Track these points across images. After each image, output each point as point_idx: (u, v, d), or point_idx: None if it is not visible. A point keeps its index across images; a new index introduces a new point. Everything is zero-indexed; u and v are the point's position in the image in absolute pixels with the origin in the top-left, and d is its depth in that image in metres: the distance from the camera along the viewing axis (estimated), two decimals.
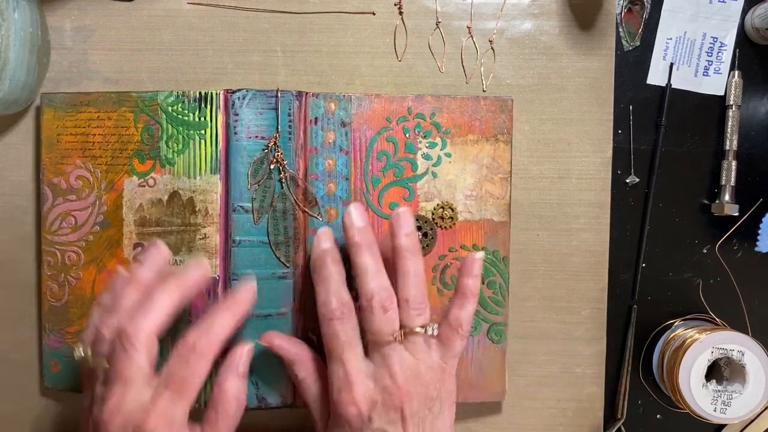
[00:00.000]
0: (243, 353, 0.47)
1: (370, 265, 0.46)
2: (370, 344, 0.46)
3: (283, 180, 0.51)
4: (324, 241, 0.49)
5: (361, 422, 0.44)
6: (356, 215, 0.47)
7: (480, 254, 0.49)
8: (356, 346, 0.46)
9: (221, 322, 0.45)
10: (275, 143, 0.51)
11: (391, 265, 0.47)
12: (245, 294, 0.48)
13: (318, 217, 0.52)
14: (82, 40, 0.55)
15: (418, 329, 0.46)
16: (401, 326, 0.46)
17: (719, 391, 0.54)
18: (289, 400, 0.53)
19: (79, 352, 0.46)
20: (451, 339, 0.47)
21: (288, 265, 0.51)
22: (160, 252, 0.48)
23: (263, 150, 0.51)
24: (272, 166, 0.51)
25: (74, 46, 0.55)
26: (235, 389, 0.46)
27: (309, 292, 0.52)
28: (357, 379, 0.45)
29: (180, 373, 0.43)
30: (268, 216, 0.51)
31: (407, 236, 0.46)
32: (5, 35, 0.48)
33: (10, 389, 0.57)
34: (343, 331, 0.46)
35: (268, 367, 0.52)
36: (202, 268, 0.47)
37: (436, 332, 0.47)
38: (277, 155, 0.51)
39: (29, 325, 0.56)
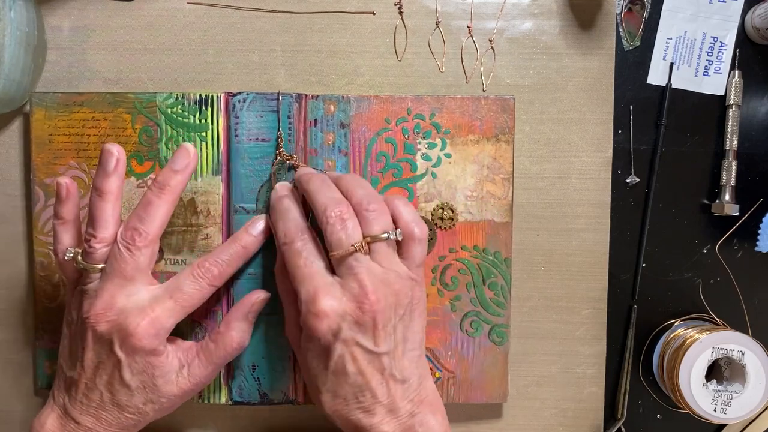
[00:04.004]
0: (257, 301, 0.50)
1: (319, 184, 0.47)
2: (335, 262, 0.45)
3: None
4: (282, 189, 0.50)
5: (331, 334, 0.44)
6: (305, 171, 0.50)
7: None
8: (320, 261, 0.46)
9: (229, 254, 0.49)
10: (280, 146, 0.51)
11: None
12: (252, 229, 0.50)
13: None
14: (82, 40, 0.55)
15: (381, 235, 0.45)
16: (363, 236, 0.45)
17: (719, 391, 0.54)
18: (291, 397, 0.53)
19: (69, 253, 0.47)
20: (409, 246, 0.47)
21: None
22: (116, 155, 0.46)
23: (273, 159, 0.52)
24: (275, 167, 0.51)
25: (74, 46, 0.55)
26: (239, 331, 0.49)
27: None
28: (322, 291, 0.44)
29: (189, 290, 0.46)
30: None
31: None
32: (0, 34, 0.48)
33: (5, 389, 0.57)
34: (304, 251, 0.46)
35: (270, 364, 0.53)
36: (188, 155, 0.47)
37: (400, 237, 0.46)
38: (281, 153, 0.51)
39: (24, 325, 0.56)
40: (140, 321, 0.44)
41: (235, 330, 0.49)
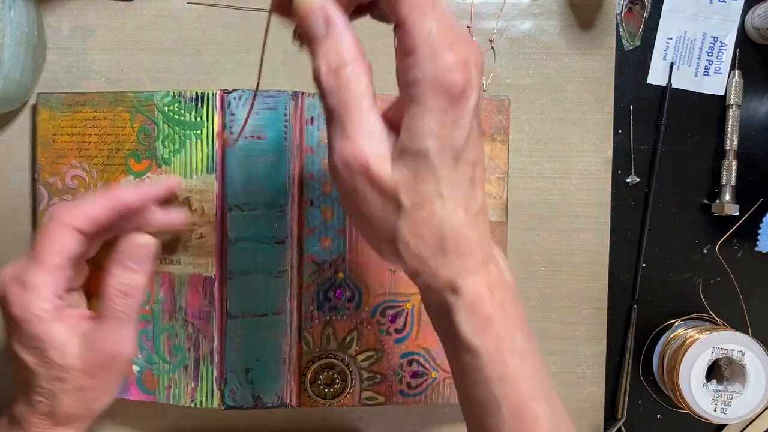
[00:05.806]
0: (135, 244, 0.44)
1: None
2: None
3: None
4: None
5: (469, 87, 0.31)
6: None
7: None
8: None
9: (91, 200, 0.43)
10: None
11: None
12: (128, 188, 0.47)
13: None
14: (82, 40, 0.55)
15: None
16: None
17: (719, 391, 0.54)
18: (285, 400, 0.53)
19: None
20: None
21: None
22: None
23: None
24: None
25: (74, 46, 0.55)
26: (118, 279, 0.42)
27: (304, 290, 0.52)
28: (458, 30, 0.32)
29: (38, 240, 0.42)
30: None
31: None
32: (0, 34, 0.48)
33: (5, 388, 0.57)
34: None
35: (264, 366, 0.52)
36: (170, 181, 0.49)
37: None
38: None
39: None
40: (8, 287, 0.41)
41: (112, 278, 0.42)
